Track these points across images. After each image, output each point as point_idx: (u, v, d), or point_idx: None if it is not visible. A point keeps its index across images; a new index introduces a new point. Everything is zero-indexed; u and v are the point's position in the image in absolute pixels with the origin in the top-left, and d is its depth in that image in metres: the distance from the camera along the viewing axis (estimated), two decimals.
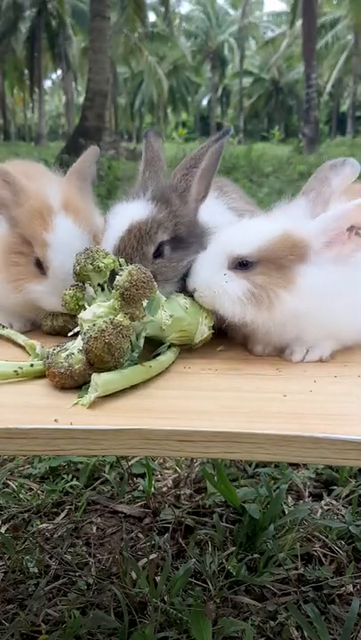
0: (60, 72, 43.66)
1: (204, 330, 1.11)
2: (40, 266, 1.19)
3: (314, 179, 1.20)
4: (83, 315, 1.01)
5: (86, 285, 1.07)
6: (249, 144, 18.70)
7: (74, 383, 0.96)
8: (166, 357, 1.05)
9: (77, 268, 1.04)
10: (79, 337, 1.00)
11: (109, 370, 0.95)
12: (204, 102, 61.60)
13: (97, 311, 1.00)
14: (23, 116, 51.31)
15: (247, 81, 51.11)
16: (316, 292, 1.07)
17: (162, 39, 39.44)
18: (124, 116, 52.66)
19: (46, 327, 1.23)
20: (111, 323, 0.94)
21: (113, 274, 1.02)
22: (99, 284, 1.04)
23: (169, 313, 1.05)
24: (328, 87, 42.79)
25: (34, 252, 1.19)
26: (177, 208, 1.14)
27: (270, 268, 1.08)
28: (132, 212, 1.13)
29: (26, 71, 38.46)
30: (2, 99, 39.47)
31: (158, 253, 1.12)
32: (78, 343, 0.99)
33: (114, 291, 0.99)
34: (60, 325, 1.21)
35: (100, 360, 0.94)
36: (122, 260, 1.06)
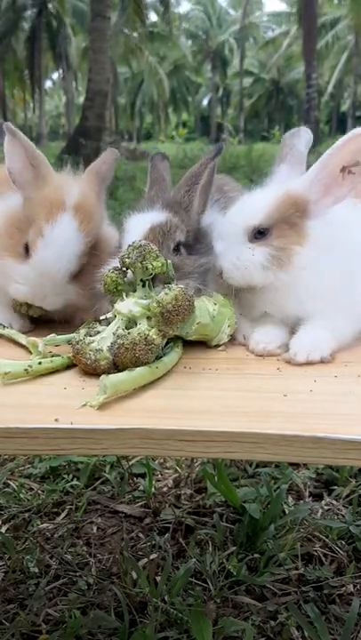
0: (60, 72, 43.67)
1: (222, 337, 1.15)
2: (27, 250, 1.20)
3: (283, 147, 1.34)
4: (119, 306, 1.06)
5: (128, 271, 1.09)
6: (249, 144, 18.69)
7: (95, 374, 1.00)
8: (170, 358, 1.05)
9: (127, 261, 1.06)
10: (110, 327, 1.04)
11: None
12: (205, 102, 61.62)
13: (133, 309, 1.04)
14: (23, 116, 51.31)
15: (248, 81, 51.09)
16: (324, 242, 1.15)
17: (162, 39, 39.42)
18: (125, 116, 52.63)
19: (20, 309, 1.25)
20: (145, 339, 0.98)
21: (156, 275, 1.07)
22: (142, 280, 1.07)
23: (197, 321, 1.08)
24: (330, 88, 42.77)
25: (28, 235, 1.20)
26: (183, 219, 1.21)
27: (284, 228, 1.17)
28: (149, 217, 1.19)
29: (26, 71, 38.45)
30: (2, 99, 39.46)
31: (177, 251, 1.19)
32: (108, 335, 1.02)
33: (154, 300, 1.01)
34: (35, 313, 1.24)
35: (125, 367, 0.98)
36: (169, 263, 1.09)
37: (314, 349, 1.10)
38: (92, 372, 1.00)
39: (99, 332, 1.06)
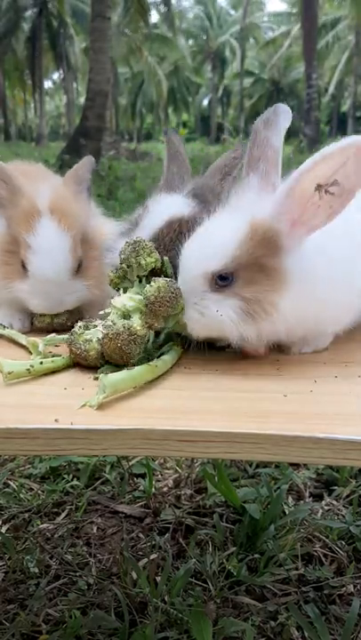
0: (60, 72, 43.66)
1: None
2: (24, 265, 1.23)
3: (254, 145, 1.03)
4: (114, 300, 1.07)
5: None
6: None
7: (87, 364, 1.03)
8: (170, 357, 1.06)
9: (122, 257, 1.08)
10: (104, 320, 1.06)
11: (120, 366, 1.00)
12: (205, 103, 61.63)
13: (127, 304, 1.04)
14: (24, 116, 51.32)
15: (248, 81, 51.10)
16: (308, 283, 0.96)
17: (162, 40, 39.42)
18: (125, 117, 52.65)
19: (42, 324, 1.26)
20: (128, 329, 0.99)
21: (153, 271, 1.07)
22: (138, 276, 1.07)
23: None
24: (330, 88, 42.75)
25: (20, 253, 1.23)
26: (213, 208, 1.16)
27: (253, 272, 0.96)
28: (172, 205, 1.16)
29: (27, 71, 38.46)
30: (2, 99, 39.46)
31: None
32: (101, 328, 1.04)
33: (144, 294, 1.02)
34: (59, 323, 1.26)
35: (110, 358, 1.01)
36: (166, 259, 1.09)
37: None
38: (83, 362, 1.03)
39: (95, 326, 1.08)
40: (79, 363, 1.04)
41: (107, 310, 1.09)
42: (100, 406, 0.90)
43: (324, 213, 0.94)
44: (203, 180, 1.24)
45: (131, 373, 0.95)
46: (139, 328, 1.01)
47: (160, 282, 1.02)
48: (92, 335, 1.04)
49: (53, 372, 1.03)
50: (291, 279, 0.96)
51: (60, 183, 1.37)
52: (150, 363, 1.00)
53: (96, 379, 0.99)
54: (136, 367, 0.98)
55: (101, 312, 1.11)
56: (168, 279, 1.03)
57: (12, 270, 1.24)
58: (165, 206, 1.17)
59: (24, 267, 1.23)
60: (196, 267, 0.99)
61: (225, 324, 0.97)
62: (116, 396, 0.94)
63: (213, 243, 0.98)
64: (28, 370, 1.00)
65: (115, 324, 1.00)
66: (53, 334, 1.13)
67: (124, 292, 1.09)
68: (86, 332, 1.05)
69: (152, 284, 1.02)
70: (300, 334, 1.07)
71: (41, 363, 1.02)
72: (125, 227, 1.24)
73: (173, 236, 1.12)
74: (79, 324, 1.08)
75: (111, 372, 0.98)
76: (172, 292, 1.01)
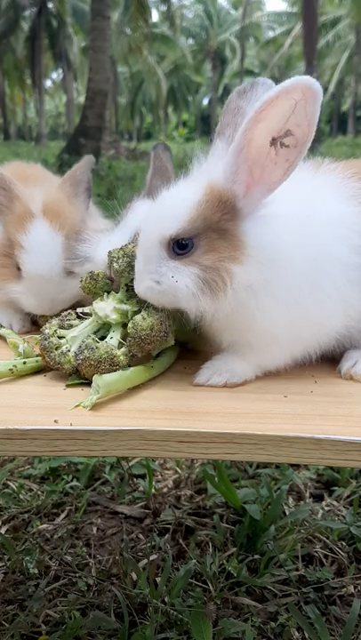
0: (60, 72, 43.66)
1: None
2: (19, 268, 1.25)
3: (225, 112, 0.98)
4: (97, 305, 1.03)
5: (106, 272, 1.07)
6: None
7: (59, 371, 1.00)
8: (167, 357, 1.05)
9: (115, 265, 1.02)
10: (83, 325, 1.03)
11: None
12: (205, 102, 61.62)
13: (110, 316, 1.01)
14: (23, 116, 51.31)
15: (248, 80, 51.01)
16: (265, 253, 0.88)
17: (162, 39, 39.41)
18: (125, 116, 52.64)
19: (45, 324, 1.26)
20: (111, 360, 0.95)
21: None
22: (126, 285, 1.04)
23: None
24: (330, 87, 42.72)
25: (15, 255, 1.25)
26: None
27: (213, 239, 0.89)
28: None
29: (26, 71, 38.44)
30: (2, 98, 39.46)
31: None
32: (79, 335, 1.01)
33: (131, 321, 0.96)
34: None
35: (85, 375, 0.97)
36: None
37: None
38: (54, 370, 1.01)
39: (72, 326, 1.04)
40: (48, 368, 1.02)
41: (86, 310, 1.06)
42: (100, 407, 0.90)
43: (281, 168, 0.87)
44: None
45: (125, 374, 0.95)
46: (122, 358, 0.96)
47: (153, 319, 0.95)
48: (68, 344, 1.00)
49: (39, 371, 1.03)
50: (251, 245, 0.88)
51: (54, 185, 1.38)
52: (146, 363, 0.99)
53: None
54: (131, 368, 0.96)
55: (80, 310, 1.07)
56: (161, 314, 0.96)
57: (7, 272, 1.27)
58: (145, 209, 1.14)
59: (18, 268, 1.25)
60: (152, 232, 0.92)
61: (181, 293, 0.90)
62: (116, 396, 0.94)
63: (169, 207, 0.92)
64: (11, 370, 1.00)
65: (97, 346, 0.95)
66: None
67: (105, 296, 1.05)
68: (61, 341, 1.00)
69: (144, 316, 0.96)
70: (241, 327, 0.93)
71: (24, 363, 1.02)
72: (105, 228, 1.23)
73: None
74: (53, 324, 1.03)
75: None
76: (164, 332, 0.96)
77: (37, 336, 1.09)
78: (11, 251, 1.26)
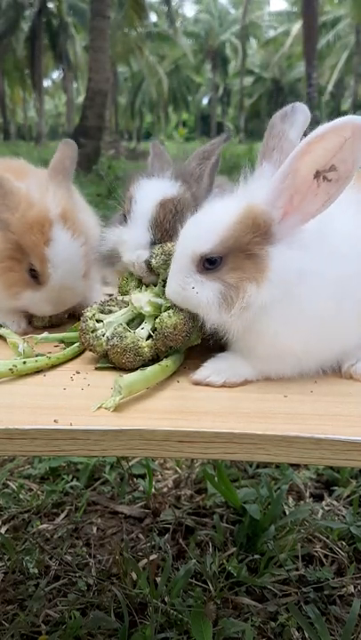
0: (60, 71, 43.65)
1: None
2: (34, 275, 1.21)
3: (269, 137, 1.02)
4: (134, 295, 1.07)
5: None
6: (250, 143, 18.68)
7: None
8: (178, 356, 1.06)
9: (153, 261, 1.07)
10: (119, 313, 1.07)
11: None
12: (205, 102, 61.60)
13: (145, 308, 1.05)
14: (23, 116, 51.30)
15: (248, 80, 51.03)
16: (285, 278, 0.91)
17: (163, 38, 39.39)
18: (125, 116, 52.61)
19: (43, 323, 1.29)
20: (136, 349, 1.00)
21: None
22: (163, 280, 1.06)
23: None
24: (330, 87, 42.74)
25: (28, 260, 1.20)
26: (195, 191, 1.17)
27: (240, 258, 0.93)
28: (160, 188, 1.14)
29: (26, 71, 38.42)
30: (2, 98, 39.44)
31: None
32: (115, 321, 1.05)
33: (159, 317, 1.02)
34: (58, 317, 1.29)
35: (112, 359, 1.02)
36: None
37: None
38: (89, 349, 1.06)
39: (111, 312, 1.09)
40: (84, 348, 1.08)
41: (125, 299, 1.10)
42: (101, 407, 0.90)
43: (320, 201, 0.91)
44: (183, 164, 1.23)
45: (145, 374, 0.96)
46: (146, 349, 1.01)
47: (178, 318, 1.00)
48: (104, 328, 1.05)
49: (38, 371, 1.04)
50: (274, 269, 0.92)
51: (56, 185, 1.32)
52: (160, 363, 1.00)
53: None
54: (148, 368, 0.98)
55: (120, 297, 1.12)
56: (185, 315, 1.00)
57: (18, 279, 1.21)
58: (152, 190, 1.13)
59: (34, 275, 1.20)
60: (186, 248, 0.98)
61: (201, 304, 0.96)
62: (131, 396, 0.93)
63: (204, 225, 0.97)
64: (11, 370, 1.00)
65: (126, 336, 1.00)
66: (46, 333, 1.14)
67: (143, 288, 1.10)
68: (97, 325, 1.06)
69: (170, 316, 1.01)
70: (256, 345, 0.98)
71: (24, 363, 1.02)
72: (117, 217, 1.21)
73: (170, 217, 1.10)
74: (93, 307, 1.08)
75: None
76: (186, 332, 1.01)
77: (37, 336, 1.12)
78: (20, 255, 1.20)
